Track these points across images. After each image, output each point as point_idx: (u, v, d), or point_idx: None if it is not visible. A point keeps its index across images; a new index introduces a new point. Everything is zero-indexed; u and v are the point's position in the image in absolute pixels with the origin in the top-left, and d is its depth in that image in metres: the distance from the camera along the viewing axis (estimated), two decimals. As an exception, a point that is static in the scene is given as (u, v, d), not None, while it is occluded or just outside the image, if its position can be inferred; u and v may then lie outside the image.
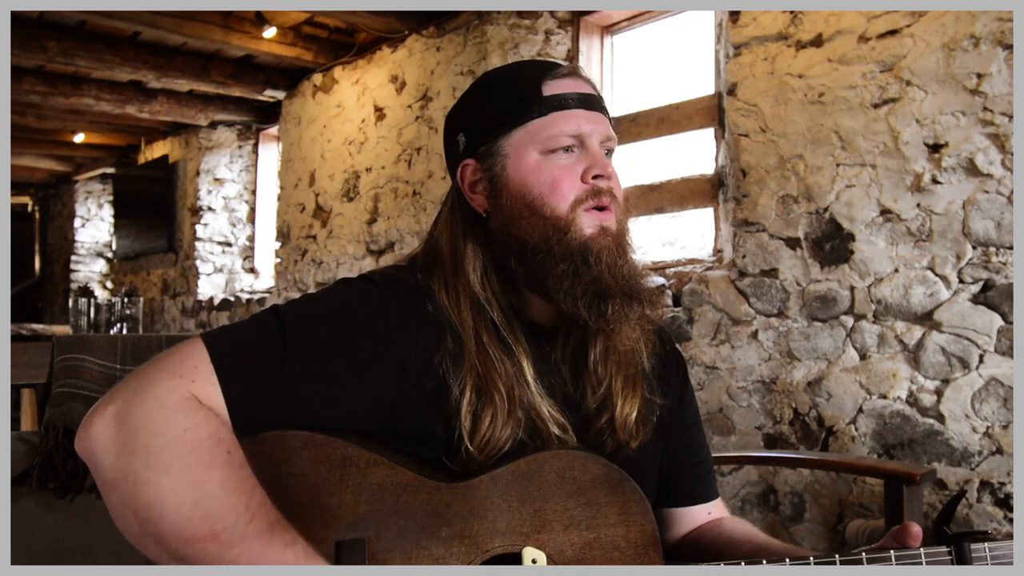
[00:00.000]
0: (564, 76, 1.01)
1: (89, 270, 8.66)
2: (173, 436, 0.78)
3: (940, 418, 2.39)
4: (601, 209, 0.98)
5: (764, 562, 0.91)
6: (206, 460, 0.78)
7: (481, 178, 1.01)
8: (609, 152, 1.03)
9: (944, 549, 0.92)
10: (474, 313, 0.98)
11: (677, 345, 3.20)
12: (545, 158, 0.98)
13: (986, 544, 0.92)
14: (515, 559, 0.89)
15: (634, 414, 1.02)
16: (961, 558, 0.91)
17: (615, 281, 0.95)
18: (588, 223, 0.97)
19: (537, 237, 0.96)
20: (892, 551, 0.91)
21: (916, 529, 0.92)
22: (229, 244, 6.54)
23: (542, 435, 0.96)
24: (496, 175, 1.00)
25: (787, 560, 0.91)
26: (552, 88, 0.99)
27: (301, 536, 0.80)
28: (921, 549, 0.92)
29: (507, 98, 1.01)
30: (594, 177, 0.98)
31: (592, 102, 1.01)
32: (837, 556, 0.91)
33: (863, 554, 0.91)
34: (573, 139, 0.98)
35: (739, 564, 0.91)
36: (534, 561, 0.89)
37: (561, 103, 0.98)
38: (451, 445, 0.93)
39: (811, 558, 0.91)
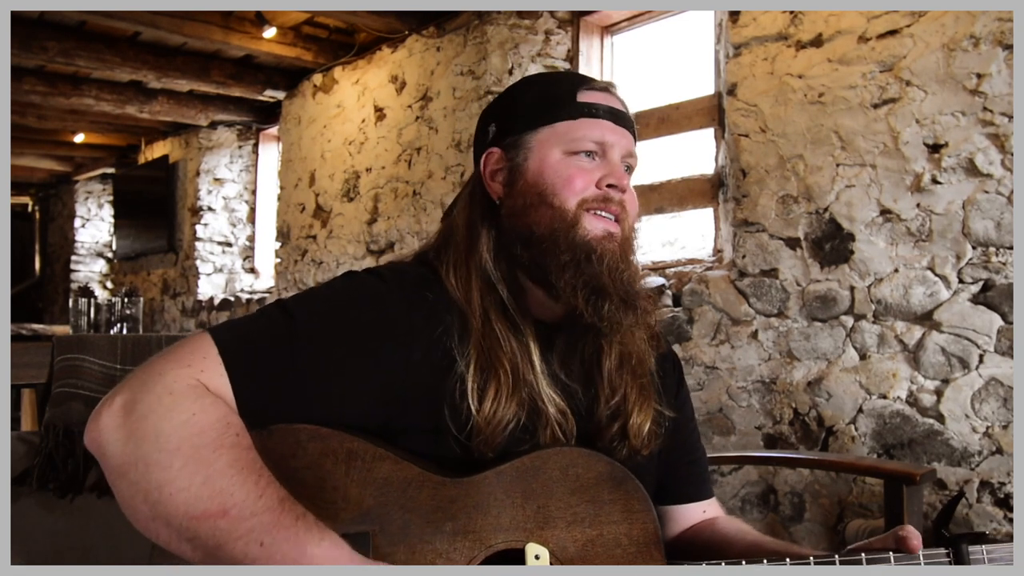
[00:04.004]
0: (599, 89, 1.05)
1: (89, 270, 8.65)
2: (182, 420, 0.79)
3: (940, 418, 2.39)
4: (607, 216, 1.01)
5: (764, 561, 0.91)
6: (215, 441, 0.79)
7: (502, 167, 1.05)
8: (629, 169, 1.06)
9: (942, 551, 0.92)
10: (484, 292, 1.00)
11: (676, 345, 3.20)
12: (566, 157, 1.01)
13: (983, 546, 0.93)
14: (518, 555, 0.89)
15: (648, 423, 1.04)
16: (959, 560, 0.92)
17: (613, 284, 0.97)
18: (593, 225, 0.99)
19: (544, 227, 0.99)
20: (891, 552, 0.91)
21: (917, 541, 0.91)
22: (229, 244, 6.54)
23: (542, 416, 0.97)
24: (517, 165, 1.03)
25: (787, 560, 0.91)
26: (586, 97, 1.03)
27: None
28: (919, 551, 0.92)
29: (542, 97, 1.05)
30: (608, 185, 1.01)
31: (621, 118, 1.05)
32: (836, 556, 0.91)
33: (862, 554, 0.91)
34: (596, 145, 1.02)
35: (740, 563, 0.91)
36: (537, 557, 0.89)
37: (591, 111, 1.03)
38: (459, 418, 0.94)
39: (811, 558, 0.91)
